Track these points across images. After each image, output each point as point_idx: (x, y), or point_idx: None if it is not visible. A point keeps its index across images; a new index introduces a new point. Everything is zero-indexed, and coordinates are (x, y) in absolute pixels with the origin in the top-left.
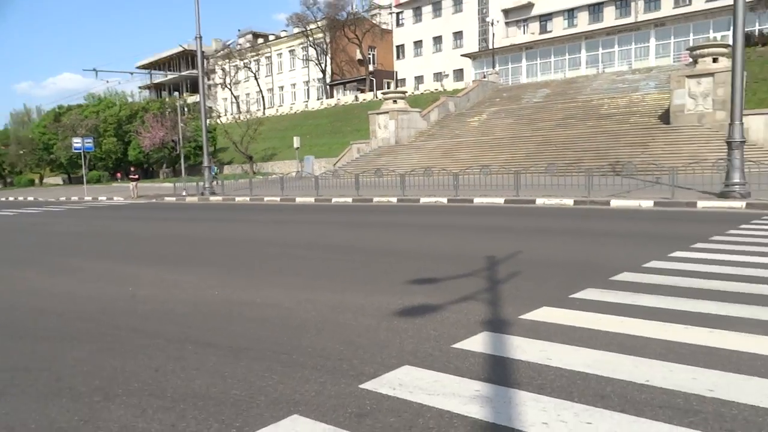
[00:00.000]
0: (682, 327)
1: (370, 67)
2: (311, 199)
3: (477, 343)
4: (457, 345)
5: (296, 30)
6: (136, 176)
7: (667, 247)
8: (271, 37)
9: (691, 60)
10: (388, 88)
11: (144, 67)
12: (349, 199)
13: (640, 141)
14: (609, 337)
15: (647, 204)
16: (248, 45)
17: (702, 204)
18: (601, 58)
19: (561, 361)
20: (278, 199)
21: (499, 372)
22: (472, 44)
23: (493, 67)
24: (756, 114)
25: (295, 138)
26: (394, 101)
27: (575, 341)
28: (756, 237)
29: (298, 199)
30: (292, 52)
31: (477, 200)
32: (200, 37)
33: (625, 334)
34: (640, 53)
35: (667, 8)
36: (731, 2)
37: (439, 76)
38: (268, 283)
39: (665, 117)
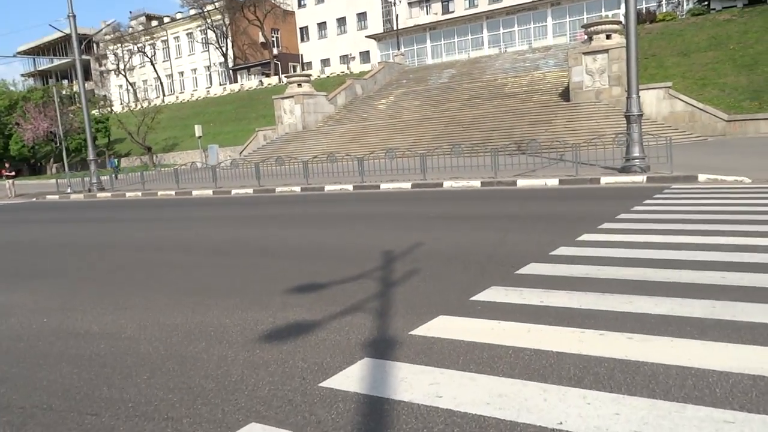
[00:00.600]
0: (598, 334)
1: (275, 51)
2: (209, 192)
3: (352, 378)
4: (327, 383)
5: (193, 12)
6: (12, 173)
7: (575, 230)
8: (166, 20)
9: (586, 37)
10: (294, 71)
11: (26, 52)
12: (250, 190)
13: (544, 119)
14: (514, 356)
15: (552, 182)
16: (141, 28)
17: (605, 180)
18: (502, 38)
19: (454, 400)
20: (173, 192)
21: (373, 426)
22: (376, 25)
23: (398, 48)
24: (647, 89)
25: (196, 126)
26: (299, 85)
27: (474, 364)
28: (660, 213)
29: (195, 192)
30: (190, 35)
31: (383, 186)
32: (73, 16)
33: (533, 350)
34: (539, 33)
35: None
36: None
37: (345, 59)
38: (119, 303)
39: (565, 94)
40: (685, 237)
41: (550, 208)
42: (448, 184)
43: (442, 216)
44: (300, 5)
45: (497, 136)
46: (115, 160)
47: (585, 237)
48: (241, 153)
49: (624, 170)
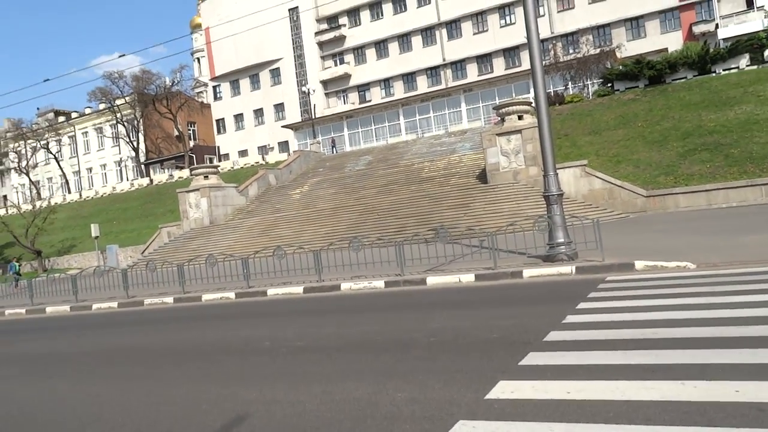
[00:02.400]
0: None
1: (191, 143)
2: (66, 308)
3: None
4: None
5: (102, 106)
6: None
7: (488, 373)
8: (74, 115)
9: (499, 119)
10: (210, 163)
11: None
12: (115, 304)
13: (462, 202)
14: None
15: (468, 278)
16: (46, 124)
17: (529, 272)
18: (419, 124)
19: None
20: (23, 311)
21: None
22: (294, 115)
23: (314, 137)
24: (564, 167)
25: (93, 226)
26: (206, 177)
27: None
28: (600, 326)
29: (49, 309)
30: (99, 130)
31: (271, 291)
32: None
33: None
34: (454, 118)
35: (472, 75)
36: (528, 67)
37: (264, 149)
38: None
39: (483, 176)
40: (632, 365)
41: (458, 322)
42: (346, 286)
43: (321, 347)
44: (216, 98)
45: (414, 223)
46: (16, 264)
47: (502, 388)
48: (143, 252)
49: (549, 259)
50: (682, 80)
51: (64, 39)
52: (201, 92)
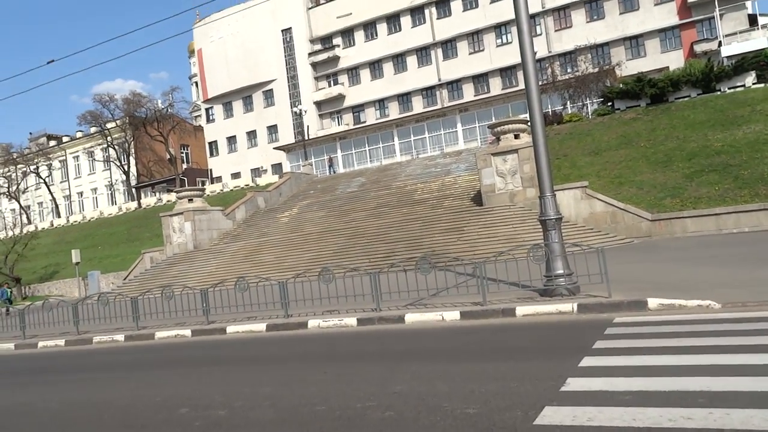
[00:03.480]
0: None
1: (184, 166)
2: (11, 345)
3: None
4: None
5: (93, 130)
6: None
7: None
8: (65, 139)
9: (494, 138)
10: (202, 186)
11: None
12: (62, 341)
13: (455, 226)
14: None
15: (452, 316)
16: (37, 149)
17: (522, 310)
18: (413, 145)
19: None
20: None
21: None
22: (288, 137)
23: (306, 158)
24: (563, 189)
25: (73, 251)
26: (190, 200)
27: None
28: (613, 396)
29: None
30: (90, 153)
31: (232, 328)
32: None
33: None
34: (449, 139)
35: (468, 95)
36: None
37: (257, 172)
38: None
39: (478, 198)
40: None
41: (428, 385)
42: (315, 323)
43: (238, 414)
44: (209, 120)
45: (404, 248)
46: (8, 289)
47: None
48: (125, 278)
49: (546, 293)
50: (686, 99)
51: (62, 61)
52: (198, 116)
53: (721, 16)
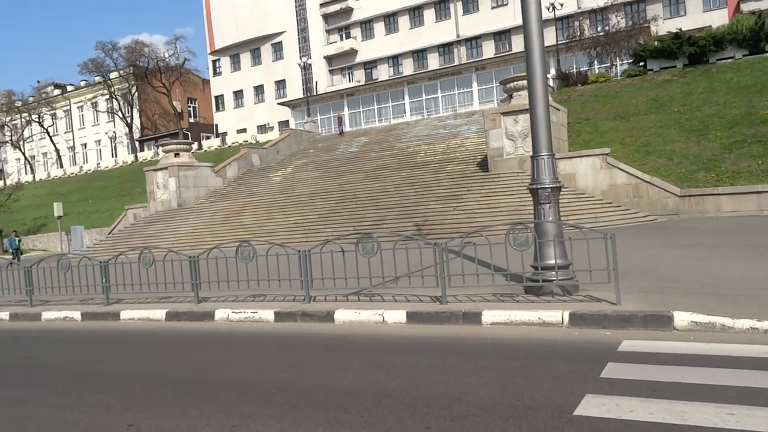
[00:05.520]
0: None
1: (190, 121)
2: None
3: None
4: None
5: (98, 79)
6: None
7: None
8: (69, 88)
9: (506, 96)
10: (205, 140)
11: None
12: (6, 315)
13: (454, 193)
14: None
15: (395, 317)
16: (42, 97)
17: (491, 316)
18: (425, 104)
19: None
20: None
21: None
22: (296, 93)
23: (308, 115)
24: (581, 156)
25: (55, 205)
26: (176, 154)
27: None
28: None
29: None
30: (94, 104)
31: (127, 314)
32: None
33: None
34: (464, 99)
35: (488, 54)
36: (551, 43)
37: (264, 129)
38: None
39: (484, 164)
40: None
41: None
42: (223, 315)
43: None
44: (215, 73)
45: (396, 215)
46: (15, 238)
47: None
48: (108, 234)
49: (532, 290)
50: (730, 60)
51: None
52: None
53: None
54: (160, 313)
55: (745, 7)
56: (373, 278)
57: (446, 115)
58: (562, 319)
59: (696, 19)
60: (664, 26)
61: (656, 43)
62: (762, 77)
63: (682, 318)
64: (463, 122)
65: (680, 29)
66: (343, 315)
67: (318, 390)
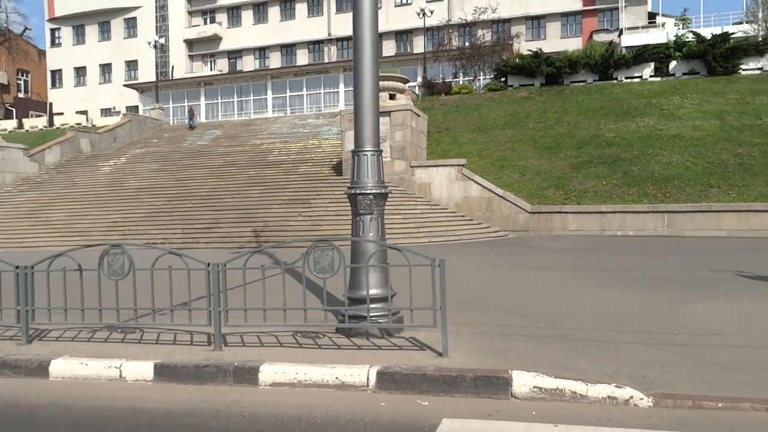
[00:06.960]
0: None
1: (20, 95)
2: None
3: None
4: None
5: None
6: None
7: None
8: None
9: None
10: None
11: None
12: None
13: (302, 197)
14: None
15: (139, 372)
16: None
17: (273, 372)
18: (289, 101)
19: None
20: None
21: None
22: (149, 77)
23: (158, 101)
24: (438, 165)
25: None
26: None
27: None
28: None
29: None
30: None
31: None
32: None
33: None
34: (330, 99)
35: None
36: (419, 51)
37: (109, 112)
38: None
39: (339, 167)
40: None
41: None
42: None
43: None
44: (54, 44)
45: (233, 218)
46: None
47: None
48: None
49: (343, 331)
50: (582, 83)
51: None
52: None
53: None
54: None
55: (598, 37)
56: (122, 310)
57: (309, 114)
58: (368, 379)
59: (554, 43)
60: (525, 46)
61: (517, 60)
62: (608, 102)
63: (522, 382)
64: (325, 122)
65: (540, 49)
66: (64, 367)
67: None
